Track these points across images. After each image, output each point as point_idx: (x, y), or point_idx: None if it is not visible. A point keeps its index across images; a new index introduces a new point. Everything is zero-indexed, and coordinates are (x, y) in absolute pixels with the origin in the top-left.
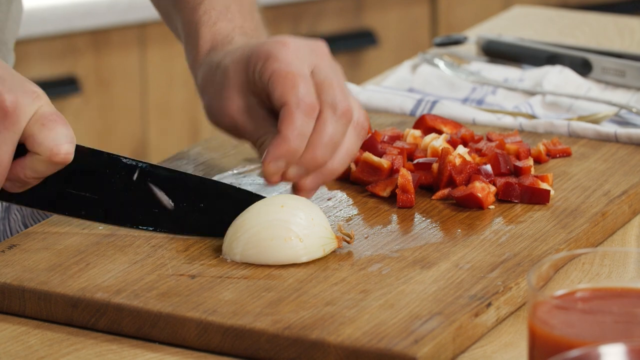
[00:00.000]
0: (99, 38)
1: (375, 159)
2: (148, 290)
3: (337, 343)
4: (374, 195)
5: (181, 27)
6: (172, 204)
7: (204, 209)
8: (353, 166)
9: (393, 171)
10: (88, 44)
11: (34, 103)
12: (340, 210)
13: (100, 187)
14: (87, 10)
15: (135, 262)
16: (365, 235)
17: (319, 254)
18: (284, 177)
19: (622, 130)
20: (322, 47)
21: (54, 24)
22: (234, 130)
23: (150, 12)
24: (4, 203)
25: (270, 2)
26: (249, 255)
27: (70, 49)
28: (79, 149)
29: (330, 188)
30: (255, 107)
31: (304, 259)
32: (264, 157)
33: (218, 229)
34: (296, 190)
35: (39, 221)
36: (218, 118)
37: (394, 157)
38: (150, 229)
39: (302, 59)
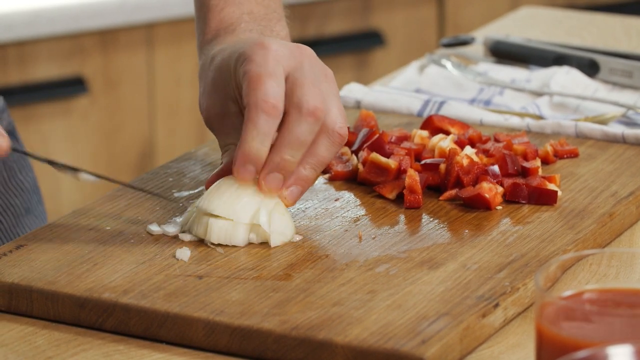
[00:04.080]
0: (107, 38)
1: (383, 159)
2: (155, 290)
3: (344, 343)
4: (381, 195)
5: (195, 8)
6: None
7: None
8: (361, 167)
9: (400, 172)
10: (96, 44)
11: None
12: (348, 210)
13: None
14: (95, 11)
15: (143, 262)
16: (373, 236)
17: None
18: (259, 187)
19: (629, 131)
20: (305, 50)
21: (61, 24)
22: (211, 129)
23: (158, 13)
24: None
25: None
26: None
27: (78, 49)
28: None
29: (337, 189)
30: (230, 114)
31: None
32: (233, 163)
33: None
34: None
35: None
36: (202, 111)
37: (401, 158)
38: None
39: (278, 61)
